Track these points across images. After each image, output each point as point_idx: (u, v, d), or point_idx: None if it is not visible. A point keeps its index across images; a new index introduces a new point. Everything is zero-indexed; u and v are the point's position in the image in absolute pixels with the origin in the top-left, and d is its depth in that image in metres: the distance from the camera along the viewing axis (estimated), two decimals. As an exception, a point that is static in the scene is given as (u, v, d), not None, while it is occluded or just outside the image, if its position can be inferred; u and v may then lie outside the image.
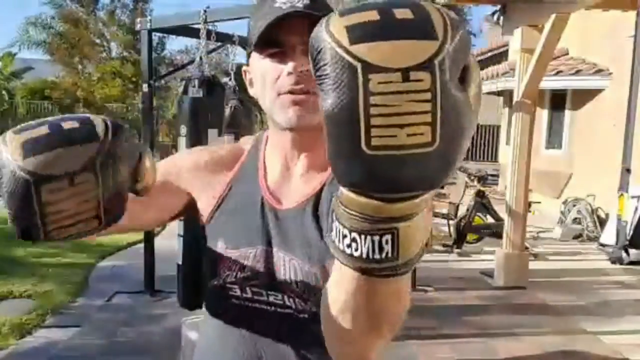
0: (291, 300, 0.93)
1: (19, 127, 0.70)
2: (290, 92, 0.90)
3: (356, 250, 0.54)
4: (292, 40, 0.90)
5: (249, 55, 0.99)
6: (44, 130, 0.68)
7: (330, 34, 0.50)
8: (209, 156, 1.05)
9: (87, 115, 0.73)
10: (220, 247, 0.98)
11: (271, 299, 0.95)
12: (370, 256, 0.54)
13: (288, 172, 1.00)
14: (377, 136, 0.48)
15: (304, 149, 0.97)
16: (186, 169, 1.03)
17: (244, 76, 1.02)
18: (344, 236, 0.55)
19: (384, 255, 0.53)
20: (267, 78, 0.92)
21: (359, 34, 0.49)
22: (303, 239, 0.92)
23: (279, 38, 0.90)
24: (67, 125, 0.69)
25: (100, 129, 0.70)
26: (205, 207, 1.02)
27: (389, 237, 0.53)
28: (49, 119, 0.71)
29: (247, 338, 0.96)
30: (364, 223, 0.53)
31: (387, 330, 0.67)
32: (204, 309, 1.07)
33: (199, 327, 1.17)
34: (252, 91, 1.01)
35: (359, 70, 0.48)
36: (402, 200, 0.52)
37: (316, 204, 0.94)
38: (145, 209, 0.98)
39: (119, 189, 0.72)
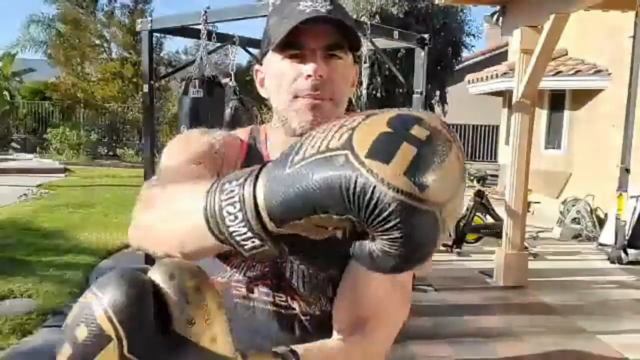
0: (296, 303, 0.94)
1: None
2: (308, 95, 0.90)
3: None
4: (313, 44, 0.90)
5: (263, 55, 0.98)
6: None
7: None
8: (209, 147, 0.98)
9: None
10: None
11: (277, 300, 0.95)
12: None
13: None
14: None
15: None
16: (204, 154, 0.95)
17: (254, 75, 1.00)
18: None
19: None
20: (284, 79, 0.92)
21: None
22: (310, 245, 0.93)
23: (300, 40, 0.90)
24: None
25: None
26: None
27: None
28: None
29: (247, 337, 0.94)
30: None
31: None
32: None
33: None
34: (263, 91, 1.00)
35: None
36: None
37: None
38: None
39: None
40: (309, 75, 0.89)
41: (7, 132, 18.02)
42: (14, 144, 17.88)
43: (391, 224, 0.53)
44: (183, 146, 0.98)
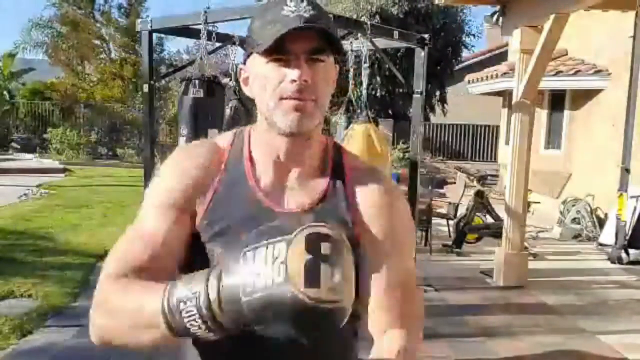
0: None
1: None
2: (292, 99, 0.95)
3: None
4: (298, 49, 0.95)
5: (248, 55, 1.02)
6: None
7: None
8: (189, 162, 1.04)
9: None
10: (218, 252, 0.99)
11: None
12: None
13: (282, 175, 1.03)
14: None
15: (298, 153, 1.01)
16: (180, 191, 1.02)
17: (238, 74, 1.06)
18: None
19: None
20: (269, 82, 0.96)
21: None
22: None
23: (285, 46, 0.94)
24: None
25: None
26: (198, 213, 1.02)
27: None
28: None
29: (247, 337, 0.96)
30: None
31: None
32: None
33: None
34: (246, 90, 1.05)
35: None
36: None
37: (316, 214, 0.98)
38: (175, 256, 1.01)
39: None
40: (294, 80, 0.94)
41: (7, 132, 18.02)
42: (14, 144, 17.88)
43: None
44: (177, 176, 1.03)
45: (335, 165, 1.06)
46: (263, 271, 0.78)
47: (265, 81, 0.97)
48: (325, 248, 0.79)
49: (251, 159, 1.04)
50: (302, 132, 0.98)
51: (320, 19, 0.94)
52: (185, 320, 0.83)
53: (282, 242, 0.79)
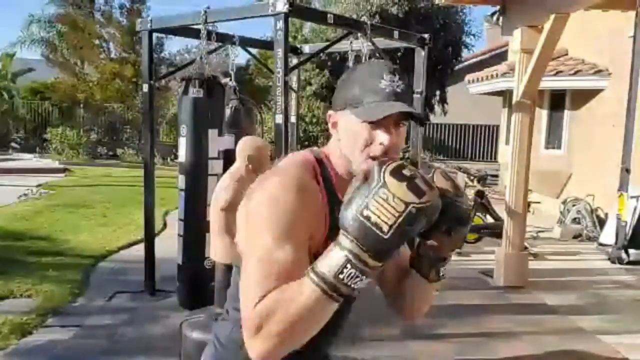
0: None
1: None
2: (376, 158, 1.12)
3: None
4: (390, 119, 1.12)
5: (339, 108, 1.18)
6: None
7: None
8: (306, 191, 1.12)
9: None
10: None
11: None
12: None
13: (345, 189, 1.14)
14: None
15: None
16: (306, 221, 1.10)
17: (328, 118, 1.22)
18: None
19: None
20: (359, 139, 1.14)
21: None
22: None
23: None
24: None
25: None
26: (317, 237, 1.13)
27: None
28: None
29: None
30: None
31: None
32: None
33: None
34: (334, 133, 1.21)
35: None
36: None
37: None
38: None
39: None
40: (383, 144, 1.12)
41: (7, 132, 18.02)
42: (13, 144, 17.88)
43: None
44: (300, 206, 1.09)
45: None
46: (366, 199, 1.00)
47: (355, 138, 1.14)
48: (406, 170, 1.03)
49: (336, 178, 1.20)
50: None
51: (407, 93, 1.16)
52: (350, 282, 0.99)
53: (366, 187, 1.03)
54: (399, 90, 1.13)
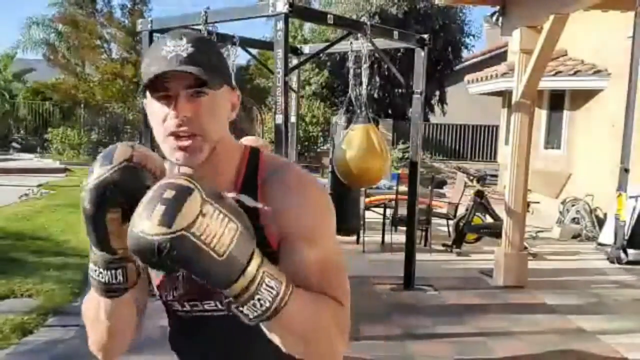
0: (217, 302, 1.07)
1: None
2: (175, 134, 0.99)
3: None
4: (176, 87, 0.98)
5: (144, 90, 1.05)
6: None
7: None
8: None
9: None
10: (152, 272, 1.12)
11: (206, 306, 1.09)
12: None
13: None
14: None
15: (201, 175, 0.97)
16: None
17: (145, 107, 1.07)
18: None
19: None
20: (155, 118, 1.01)
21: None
22: None
23: (164, 84, 0.98)
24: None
25: None
26: None
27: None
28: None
29: (196, 343, 1.15)
30: None
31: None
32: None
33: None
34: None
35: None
36: None
37: None
38: None
39: None
40: (174, 117, 0.98)
41: (7, 132, 18.02)
42: (14, 144, 17.89)
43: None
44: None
45: (248, 174, 1.09)
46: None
47: (153, 117, 1.02)
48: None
49: None
50: (192, 165, 1.02)
51: (199, 57, 0.98)
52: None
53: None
54: (184, 54, 0.97)
